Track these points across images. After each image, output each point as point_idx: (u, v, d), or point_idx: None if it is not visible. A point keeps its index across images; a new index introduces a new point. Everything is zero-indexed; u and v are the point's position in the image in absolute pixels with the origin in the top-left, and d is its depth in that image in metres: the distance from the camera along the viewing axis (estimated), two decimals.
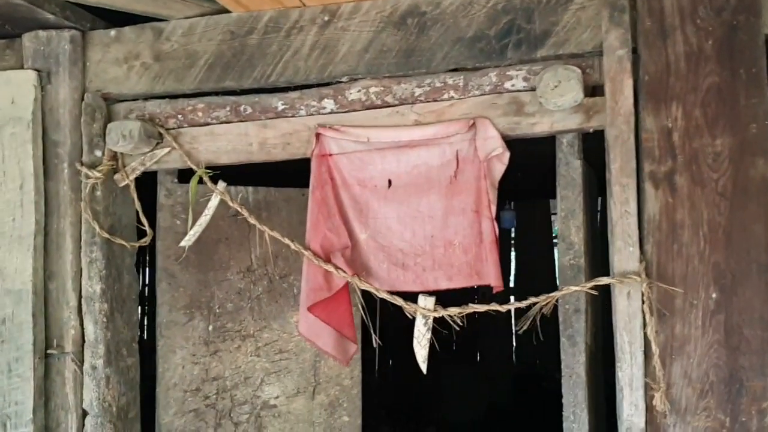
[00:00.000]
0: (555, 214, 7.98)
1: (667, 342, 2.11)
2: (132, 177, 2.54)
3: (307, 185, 2.75)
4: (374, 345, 2.32)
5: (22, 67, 2.56)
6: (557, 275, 7.65)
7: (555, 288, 2.24)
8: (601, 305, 2.68)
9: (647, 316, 2.07)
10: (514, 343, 7.81)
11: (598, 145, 2.31)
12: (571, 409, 2.31)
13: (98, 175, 2.46)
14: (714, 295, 2.08)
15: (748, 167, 2.07)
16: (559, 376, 6.89)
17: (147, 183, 2.64)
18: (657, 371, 2.06)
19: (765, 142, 2.06)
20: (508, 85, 2.27)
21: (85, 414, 2.50)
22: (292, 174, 3.18)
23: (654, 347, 2.06)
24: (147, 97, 2.56)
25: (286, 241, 2.35)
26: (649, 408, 2.11)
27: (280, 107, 2.44)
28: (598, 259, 2.91)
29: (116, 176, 2.54)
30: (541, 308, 2.15)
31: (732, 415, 2.08)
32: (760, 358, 2.06)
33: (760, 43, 2.07)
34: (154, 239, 2.64)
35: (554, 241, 7.82)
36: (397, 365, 6.83)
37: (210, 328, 2.68)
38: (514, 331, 7.63)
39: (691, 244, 2.10)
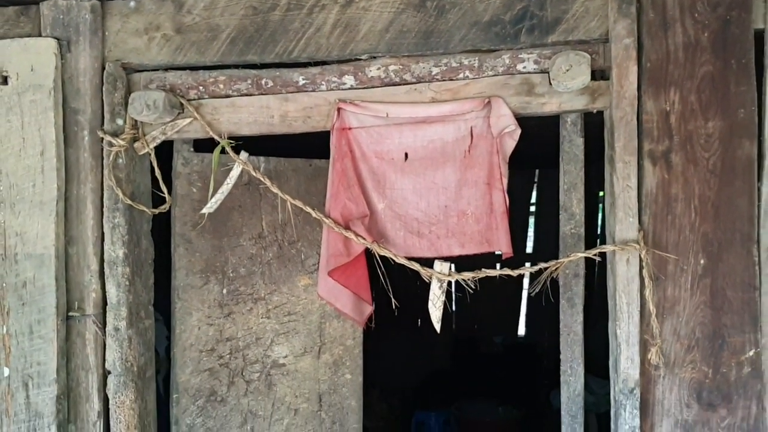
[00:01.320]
0: (536, 183, 8.27)
1: (659, 303, 2.36)
2: (152, 145, 2.61)
3: (308, 157, 2.91)
4: (394, 308, 2.48)
5: (39, 35, 2.58)
6: (534, 242, 7.80)
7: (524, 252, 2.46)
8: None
9: (646, 280, 2.31)
10: (453, 310, 8.12)
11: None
12: (569, 363, 2.54)
13: (122, 143, 2.53)
14: (702, 261, 2.34)
15: (735, 148, 2.32)
16: (496, 341, 7.21)
17: (162, 152, 2.70)
18: (654, 329, 2.31)
19: (751, 126, 2.31)
20: (520, 67, 2.44)
21: (106, 374, 2.59)
22: (293, 147, 3.31)
23: (651, 308, 2.31)
24: (167, 68, 2.61)
25: (308, 209, 2.48)
26: (642, 361, 2.37)
27: (302, 82, 2.55)
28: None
29: (136, 144, 2.60)
30: (551, 273, 2.37)
31: (714, 367, 2.35)
32: (740, 317, 2.33)
33: (750, 37, 2.31)
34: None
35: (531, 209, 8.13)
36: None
37: (224, 291, 2.79)
38: (453, 298, 7.92)
39: (683, 216, 2.35)
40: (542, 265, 2.38)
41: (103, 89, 2.56)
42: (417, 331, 7.32)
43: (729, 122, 2.32)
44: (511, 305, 8.00)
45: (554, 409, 4.78)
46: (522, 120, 2.45)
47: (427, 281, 2.43)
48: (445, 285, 2.42)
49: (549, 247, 2.51)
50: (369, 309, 2.62)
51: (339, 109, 2.51)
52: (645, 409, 2.38)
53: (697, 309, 2.35)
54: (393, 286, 2.49)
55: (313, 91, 2.55)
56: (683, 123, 2.34)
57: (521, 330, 8.22)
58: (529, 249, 7.98)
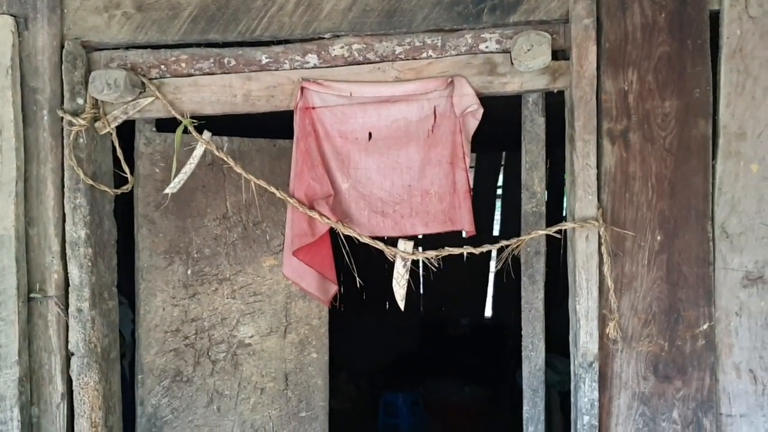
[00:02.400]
0: (503, 165, 8.34)
1: (618, 279, 2.42)
2: (113, 125, 2.58)
3: (273, 137, 2.90)
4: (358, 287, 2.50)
5: None
6: (500, 224, 7.81)
7: (491, 235, 2.50)
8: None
9: (604, 256, 2.36)
10: (421, 292, 8.20)
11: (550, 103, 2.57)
12: (530, 339, 2.59)
13: (82, 122, 2.50)
14: (659, 238, 2.40)
15: (691, 127, 2.37)
16: (463, 322, 7.29)
17: (124, 131, 2.68)
18: (612, 304, 2.37)
19: (706, 105, 2.37)
20: (482, 46, 2.47)
21: (69, 355, 2.57)
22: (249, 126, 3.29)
23: (609, 283, 2.37)
24: (128, 47, 2.58)
25: (272, 189, 2.49)
26: (601, 336, 2.42)
27: (264, 60, 2.54)
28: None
29: (97, 124, 2.57)
30: (512, 250, 2.41)
31: (670, 341, 2.42)
32: (695, 292, 2.40)
33: (705, 18, 2.36)
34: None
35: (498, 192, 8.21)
36: None
37: (189, 272, 2.78)
38: (421, 281, 8.00)
39: (641, 194, 2.40)
40: (504, 242, 2.42)
41: (63, 68, 2.53)
42: (385, 313, 7.39)
43: (685, 101, 2.37)
44: (478, 287, 8.09)
45: (520, 388, 4.87)
46: (487, 101, 2.47)
47: (391, 260, 2.45)
48: (409, 264, 2.45)
49: (515, 228, 2.54)
50: (334, 288, 2.64)
51: (302, 89, 2.51)
52: (603, 382, 2.44)
53: (653, 284, 2.41)
54: (361, 270, 2.52)
55: (276, 70, 2.55)
56: (641, 102, 2.39)
57: (488, 311, 8.32)
58: (496, 231, 8.08)
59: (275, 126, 2.99)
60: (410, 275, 2.47)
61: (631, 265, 2.42)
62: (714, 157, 2.39)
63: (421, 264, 2.47)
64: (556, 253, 2.44)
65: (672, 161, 2.39)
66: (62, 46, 2.54)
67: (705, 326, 2.41)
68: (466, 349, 7.40)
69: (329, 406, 3.06)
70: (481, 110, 2.46)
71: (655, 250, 2.41)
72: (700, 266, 2.40)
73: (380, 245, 2.44)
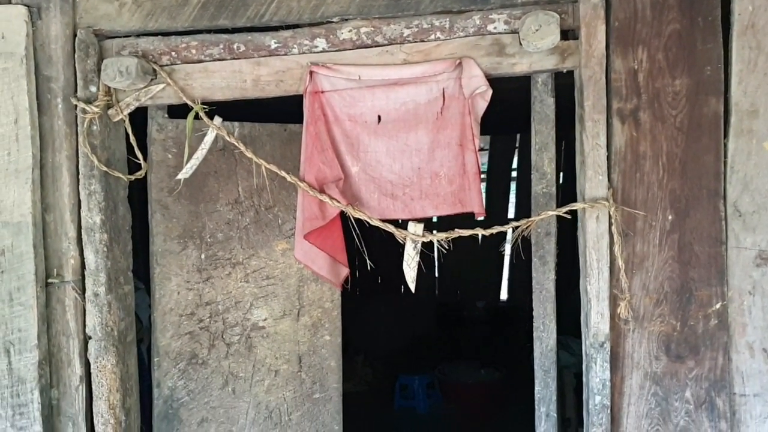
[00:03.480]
0: (518, 147, 8.33)
1: (629, 259, 2.41)
2: (126, 112, 2.61)
3: (284, 122, 2.91)
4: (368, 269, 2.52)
5: (9, 2, 2.56)
6: (515, 207, 7.82)
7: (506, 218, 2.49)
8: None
9: (615, 236, 2.36)
10: (437, 276, 8.22)
11: (560, 84, 2.55)
12: (541, 320, 2.60)
13: (96, 110, 2.53)
14: (670, 217, 2.39)
15: (702, 105, 2.35)
16: (479, 305, 7.32)
17: (136, 118, 2.71)
18: (623, 284, 2.36)
19: (717, 83, 2.35)
20: (490, 27, 2.46)
21: (87, 339, 2.62)
22: (263, 111, 3.31)
23: (620, 263, 2.36)
24: (139, 34, 2.60)
25: (282, 173, 2.51)
26: (612, 316, 2.42)
27: (273, 45, 2.56)
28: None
29: (110, 111, 2.60)
30: (522, 231, 2.41)
31: (682, 321, 2.41)
32: (707, 271, 2.39)
33: None
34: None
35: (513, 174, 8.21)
36: None
37: (202, 256, 2.82)
38: (436, 264, 8.03)
39: (651, 173, 2.39)
40: (513, 224, 2.42)
41: (75, 56, 2.56)
42: (401, 297, 7.44)
43: (696, 80, 2.35)
44: (493, 270, 8.10)
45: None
46: (500, 82, 2.47)
47: (401, 242, 2.47)
48: (419, 246, 2.46)
49: (530, 210, 2.54)
50: (345, 271, 2.66)
51: (311, 73, 2.52)
52: (615, 362, 2.44)
53: (665, 264, 2.41)
54: (376, 253, 2.52)
55: (285, 54, 2.56)
56: (651, 81, 2.37)
57: (504, 294, 8.32)
58: (511, 214, 8.07)
59: (288, 110, 3.01)
60: (425, 258, 2.48)
61: (642, 245, 2.41)
62: (726, 136, 2.37)
63: (436, 247, 2.47)
64: (573, 233, 2.43)
65: (683, 140, 2.37)
66: (75, 35, 2.57)
67: (718, 306, 2.40)
68: (482, 332, 7.43)
69: (345, 389, 3.09)
70: (490, 91, 2.45)
71: (666, 229, 2.40)
72: (713, 245, 2.38)
73: (390, 228, 2.45)
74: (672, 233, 2.39)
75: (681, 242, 2.39)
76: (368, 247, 2.54)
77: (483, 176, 8.40)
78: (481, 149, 8.76)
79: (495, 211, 7.36)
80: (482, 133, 2.56)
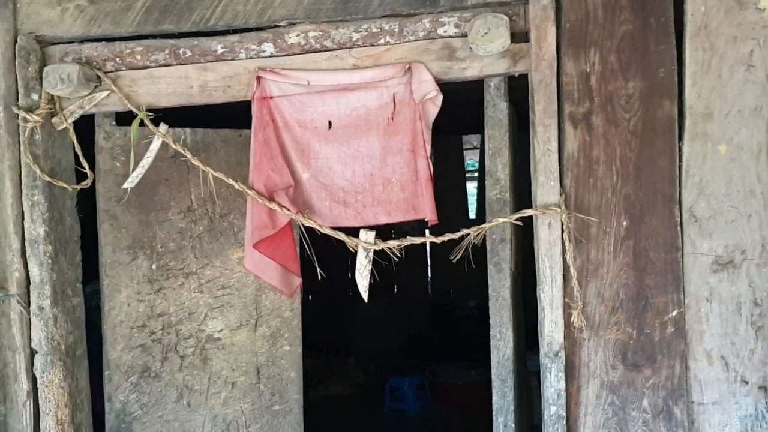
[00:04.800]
0: (467, 149, 8.33)
1: (583, 266, 2.36)
2: (70, 120, 2.55)
3: (240, 127, 2.85)
4: (319, 278, 2.46)
5: None
6: (474, 207, 7.91)
7: (467, 218, 2.44)
8: (523, 235, 2.90)
9: (566, 244, 2.30)
10: (429, 275, 8.18)
11: (520, 86, 2.50)
12: (498, 328, 2.55)
13: (37, 118, 2.46)
14: (624, 223, 2.34)
15: (656, 108, 2.30)
16: (471, 305, 7.27)
17: (84, 126, 2.64)
18: (575, 292, 2.31)
19: (671, 86, 2.29)
20: (440, 31, 2.40)
21: (33, 353, 2.56)
22: (226, 116, 3.25)
23: (572, 271, 2.31)
24: (83, 40, 2.54)
25: (230, 181, 2.44)
26: (567, 324, 2.37)
27: (220, 50, 2.49)
28: (521, 192, 3.12)
29: (54, 119, 2.54)
30: (472, 238, 2.35)
31: (638, 328, 2.36)
32: (663, 278, 2.33)
33: None
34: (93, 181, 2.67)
35: (467, 174, 8.24)
36: (316, 299, 7.06)
37: (153, 266, 2.76)
38: (429, 264, 7.98)
39: (605, 178, 2.33)
40: (464, 231, 2.36)
41: (16, 63, 2.50)
42: (393, 297, 7.38)
43: (649, 82, 2.30)
44: (485, 270, 8.05)
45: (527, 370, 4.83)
46: (448, 84, 2.41)
47: (353, 251, 2.41)
48: (371, 254, 2.40)
49: (443, 210, 2.48)
50: (298, 280, 2.60)
51: (259, 78, 2.46)
52: (571, 371, 2.39)
53: (620, 271, 2.35)
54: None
55: (233, 59, 2.50)
56: (603, 84, 2.32)
57: None
58: (472, 215, 8.07)
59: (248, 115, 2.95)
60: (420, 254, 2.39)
61: (596, 252, 2.36)
62: (680, 139, 2.32)
63: (429, 253, 2.39)
64: None
65: (637, 144, 2.32)
66: (16, 41, 2.50)
67: (674, 313, 2.35)
68: (475, 331, 7.37)
69: (336, 392, 3.03)
70: (441, 96, 2.40)
71: (621, 236, 2.34)
72: (668, 252, 2.33)
73: (342, 236, 2.39)
74: (627, 240, 2.34)
75: (636, 249, 2.34)
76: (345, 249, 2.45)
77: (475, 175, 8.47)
78: (475, 148, 8.79)
79: (453, 213, 7.37)
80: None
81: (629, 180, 2.32)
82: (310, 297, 2.80)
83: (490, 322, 2.55)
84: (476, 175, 8.21)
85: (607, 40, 2.31)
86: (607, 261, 2.35)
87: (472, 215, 8.11)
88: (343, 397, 6.36)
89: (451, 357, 6.72)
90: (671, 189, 2.32)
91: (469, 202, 8.41)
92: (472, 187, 8.74)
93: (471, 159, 9.43)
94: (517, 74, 2.40)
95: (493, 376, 2.57)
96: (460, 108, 2.43)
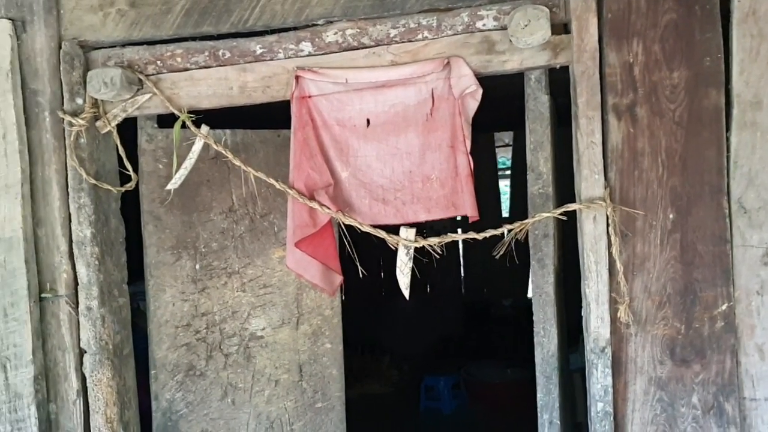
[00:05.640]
0: (499, 146, 8.25)
1: (629, 260, 2.31)
2: (114, 123, 2.59)
3: (278, 127, 2.86)
4: (360, 276, 2.46)
5: None
6: (507, 205, 7.85)
7: (500, 216, 2.41)
8: (562, 230, 2.86)
9: (612, 237, 2.26)
10: (462, 274, 8.13)
11: (557, 79, 2.46)
12: (541, 324, 2.52)
13: (82, 122, 2.51)
14: (671, 216, 2.29)
15: (702, 98, 2.24)
16: (505, 303, 7.22)
17: (126, 129, 2.68)
18: (621, 287, 2.27)
19: (718, 74, 2.24)
20: (479, 24, 2.37)
21: (82, 353, 2.61)
22: (264, 116, 3.27)
23: (618, 265, 2.27)
24: (125, 44, 2.58)
25: (271, 180, 2.46)
26: (613, 320, 2.33)
27: (259, 51, 2.50)
28: (560, 186, 3.08)
29: (98, 123, 2.58)
30: (515, 234, 2.32)
31: (687, 323, 2.31)
32: (711, 271, 2.28)
33: None
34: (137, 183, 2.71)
35: (498, 172, 8.18)
36: (351, 298, 7.08)
37: (197, 266, 2.79)
38: (462, 262, 7.93)
39: (650, 170, 2.29)
40: (507, 227, 2.34)
41: (61, 68, 2.54)
42: (427, 296, 7.36)
43: (694, 71, 2.25)
44: (519, 267, 7.98)
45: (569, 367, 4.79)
46: (487, 79, 2.39)
47: (393, 249, 2.40)
48: (412, 251, 2.39)
49: (526, 210, 2.47)
50: (339, 278, 2.60)
51: (297, 77, 2.46)
52: (618, 367, 2.35)
53: (667, 265, 2.30)
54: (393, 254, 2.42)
55: (271, 60, 2.51)
56: (647, 74, 2.27)
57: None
58: (505, 213, 8.01)
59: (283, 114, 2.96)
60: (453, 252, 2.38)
61: (642, 246, 2.31)
62: (728, 129, 2.26)
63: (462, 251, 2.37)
64: None
65: (683, 135, 2.27)
66: (60, 47, 2.55)
67: (724, 307, 2.29)
68: (509, 330, 7.32)
69: (371, 390, 3.03)
70: (480, 90, 2.37)
71: (667, 229, 2.30)
72: (717, 244, 2.28)
73: (382, 234, 2.39)
74: (674, 232, 2.29)
75: (683, 242, 2.29)
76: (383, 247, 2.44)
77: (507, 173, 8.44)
78: (507, 145, 8.73)
79: (487, 210, 7.34)
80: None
81: (675, 172, 2.28)
82: (344, 296, 2.77)
83: (533, 318, 2.52)
84: (508, 173, 8.13)
85: (651, 30, 2.26)
86: (653, 255, 2.31)
87: (504, 213, 8.04)
88: (378, 396, 6.35)
89: (485, 356, 6.68)
90: (719, 180, 2.26)
91: (502, 200, 8.36)
92: (503, 185, 8.68)
93: (502, 156, 9.36)
94: (558, 66, 2.37)
95: (537, 373, 2.54)
96: (491, 105, 2.40)
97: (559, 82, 2.46)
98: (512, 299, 7.86)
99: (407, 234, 2.37)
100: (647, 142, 2.28)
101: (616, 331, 2.34)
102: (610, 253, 2.29)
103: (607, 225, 2.28)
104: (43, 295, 2.59)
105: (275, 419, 2.88)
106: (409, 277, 2.41)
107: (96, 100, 2.56)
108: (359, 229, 2.42)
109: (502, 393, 5.98)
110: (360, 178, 2.51)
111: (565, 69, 2.37)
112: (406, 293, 2.41)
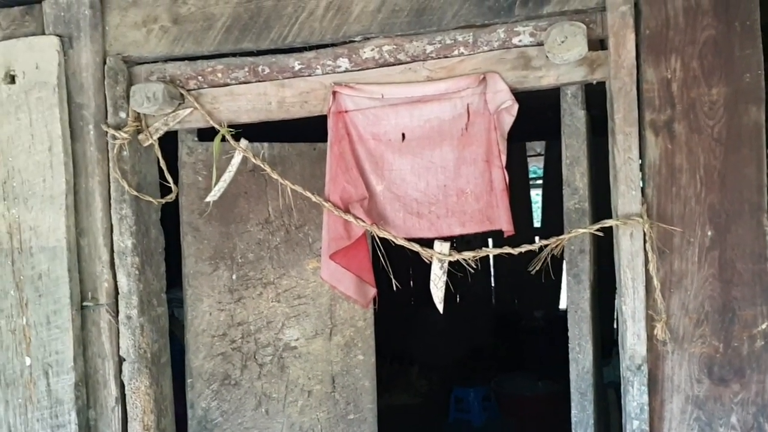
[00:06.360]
0: (531, 155, 8.22)
1: (666, 277, 2.29)
2: (156, 137, 2.65)
3: (312, 140, 2.90)
4: (394, 288, 2.48)
5: (43, 33, 2.64)
6: (539, 215, 7.81)
7: (532, 227, 2.41)
8: (597, 244, 2.85)
9: (649, 254, 2.25)
10: (493, 284, 8.09)
11: (596, 91, 2.46)
12: (577, 340, 2.50)
13: (125, 135, 2.57)
14: (709, 233, 2.26)
15: (741, 114, 2.22)
16: (537, 315, 7.16)
17: (168, 142, 2.74)
18: (658, 304, 2.25)
19: (758, 91, 2.21)
20: (515, 40, 2.39)
21: (121, 360, 2.66)
22: (298, 129, 3.31)
23: (655, 282, 2.25)
24: (167, 60, 2.64)
25: (307, 194, 2.49)
26: (650, 337, 2.30)
27: (297, 67, 2.55)
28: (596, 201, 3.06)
29: (140, 136, 2.65)
30: (551, 249, 2.32)
31: (725, 342, 2.28)
32: (751, 289, 2.25)
33: None
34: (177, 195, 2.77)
35: (530, 182, 8.17)
36: (381, 309, 7.09)
37: (233, 277, 2.83)
38: (492, 274, 7.89)
39: (688, 187, 2.27)
40: (543, 242, 2.34)
41: (105, 83, 2.61)
42: (457, 307, 7.35)
43: (734, 88, 2.23)
44: (551, 279, 7.93)
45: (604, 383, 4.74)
46: (521, 93, 2.40)
47: (428, 262, 2.41)
48: (446, 265, 2.40)
49: (556, 220, 2.47)
50: (372, 291, 2.62)
51: (334, 93, 2.50)
52: (654, 385, 2.33)
53: (705, 282, 2.28)
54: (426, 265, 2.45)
55: (309, 75, 2.55)
56: (685, 90, 2.26)
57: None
58: (537, 223, 7.97)
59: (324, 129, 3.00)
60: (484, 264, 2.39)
61: (680, 263, 2.29)
62: None
63: (492, 263, 2.38)
64: None
65: (721, 151, 2.24)
66: (105, 62, 2.62)
67: (763, 326, 2.26)
68: (541, 342, 7.26)
69: (400, 401, 3.04)
70: (516, 106, 2.38)
71: (705, 246, 2.27)
72: (756, 262, 2.25)
73: (416, 247, 2.40)
74: (712, 250, 2.27)
75: (722, 259, 2.26)
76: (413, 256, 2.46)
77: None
78: (539, 154, 8.70)
79: (516, 224, 7.30)
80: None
81: (714, 188, 2.25)
82: (375, 307, 2.79)
83: (569, 334, 2.51)
84: (540, 182, 8.10)
85: (689, 46, 2.25)
86: (691, 272, 2.28)
87: (536, 224, 8.00)
88: (407, 406, 6.34)
89: (515, 367, 6.63)
90: (759, 198, 2.23)
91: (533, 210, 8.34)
92: (534, 195, 8.65)
93: (533, 166, 9.33)
94: (594, 82, 2.36)
95: (572, 389, 2.52)
96: (523, 114, 2.41)
97: (593, 93, 2.46)
98: (543, 311, 7.81)
99: (442, 248, 2.39)
100: (685, 158, 2.27)
101: (652, 348, 2.32)
102: (647, 270, 2.27)
103: (644, 241, 2.27)
104: (84, 303, 2.66)
105: (308, 429, 2.91)
106: (443, 291, 2.42)
107: (138, 114, 2.62)
108: (393, 242, 2.44)
109: (533, 407, 5.93)
110: (394, 191, 2.53)
111: (600, 81, 2.36)
112: (440, 307, 2.43)
